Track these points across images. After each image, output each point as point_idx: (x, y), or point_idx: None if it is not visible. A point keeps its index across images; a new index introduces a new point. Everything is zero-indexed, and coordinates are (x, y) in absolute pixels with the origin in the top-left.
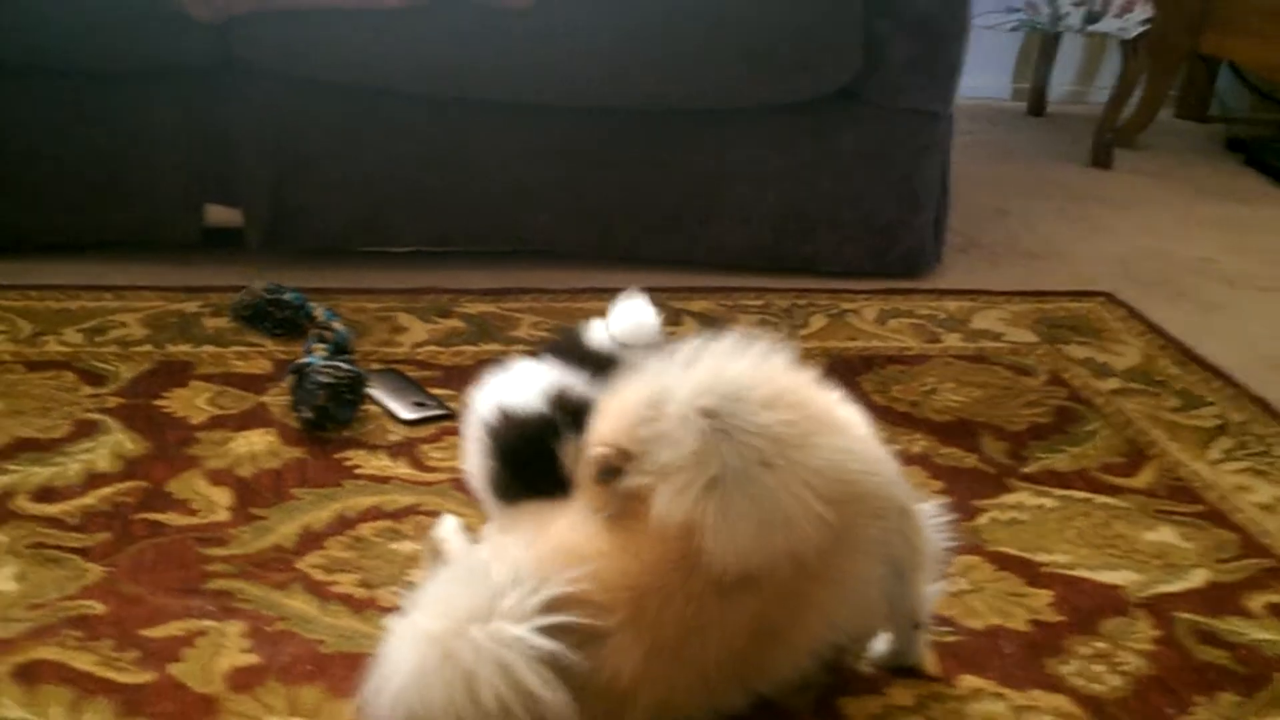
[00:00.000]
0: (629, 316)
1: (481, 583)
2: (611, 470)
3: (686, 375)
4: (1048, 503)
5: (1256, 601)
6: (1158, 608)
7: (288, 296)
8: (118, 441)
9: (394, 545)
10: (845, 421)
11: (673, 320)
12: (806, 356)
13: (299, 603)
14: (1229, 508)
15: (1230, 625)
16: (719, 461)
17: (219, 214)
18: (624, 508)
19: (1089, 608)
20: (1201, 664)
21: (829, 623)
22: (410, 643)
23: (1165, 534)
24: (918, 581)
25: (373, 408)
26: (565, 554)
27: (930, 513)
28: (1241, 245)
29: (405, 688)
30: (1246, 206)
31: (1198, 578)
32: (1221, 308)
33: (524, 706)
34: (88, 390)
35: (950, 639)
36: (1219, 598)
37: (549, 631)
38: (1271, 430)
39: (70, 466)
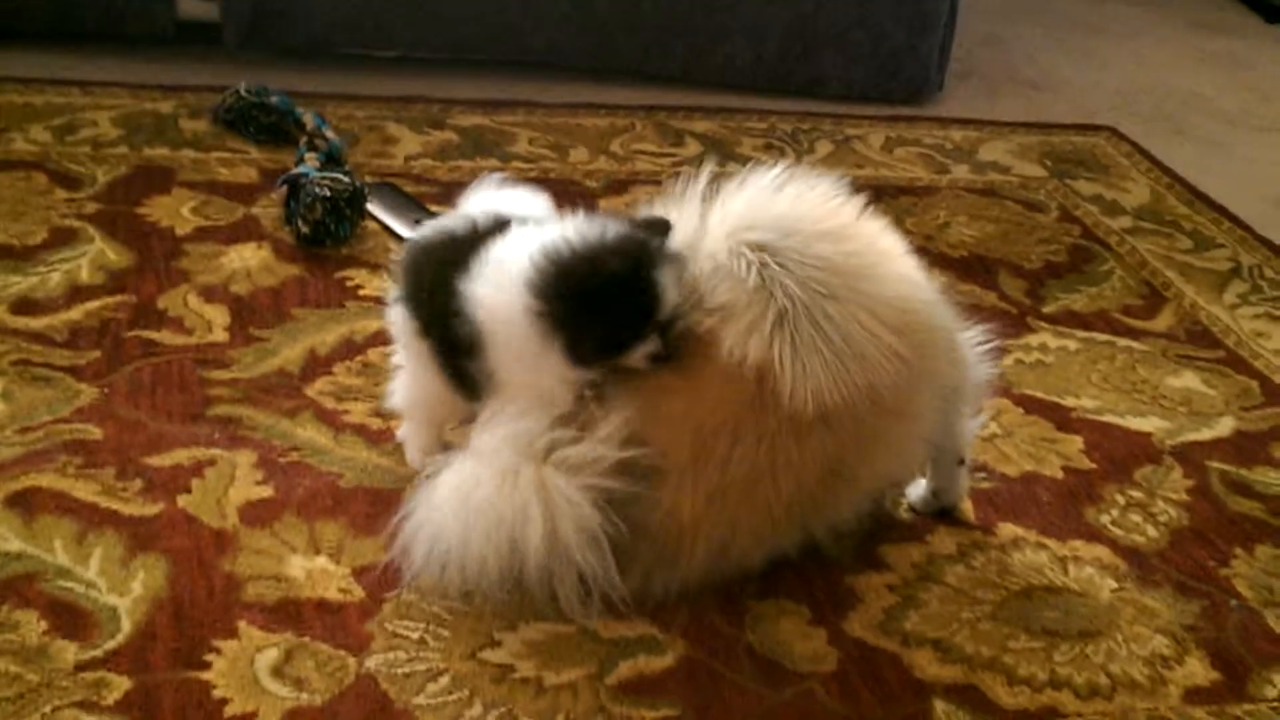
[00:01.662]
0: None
1: (534, 431)
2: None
3: (722, 211)
4: (1070, 344)
5: None
6: (1188, 456)
7: (274, 100)
8: (99, 251)
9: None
10: (892, 248)
11: (675, 141)
12: None
13: (310, 432)
14: (1248, 353)
15: (1261, 476)
16: (783, 297)
17: (193, 6)
18: (684, 347)
19: (1121, 455)
20: (1236, 515)
21: (899, 460)
22: (460, 478)
23: (1189, 379)
24: (964, 413)
25: (370, 224)
26: (627, 392)
27: (973, 340)
28: (1236, 82)
29: (461, 509)
30: (1239, 41)
31: (1225, 426)
32: (1221, 146)
33: (559, 551)
34: (62, 194)
35: (986, 485)
36: (1248, 447)
37: (608, 473)
38: None
39: (50, 277)
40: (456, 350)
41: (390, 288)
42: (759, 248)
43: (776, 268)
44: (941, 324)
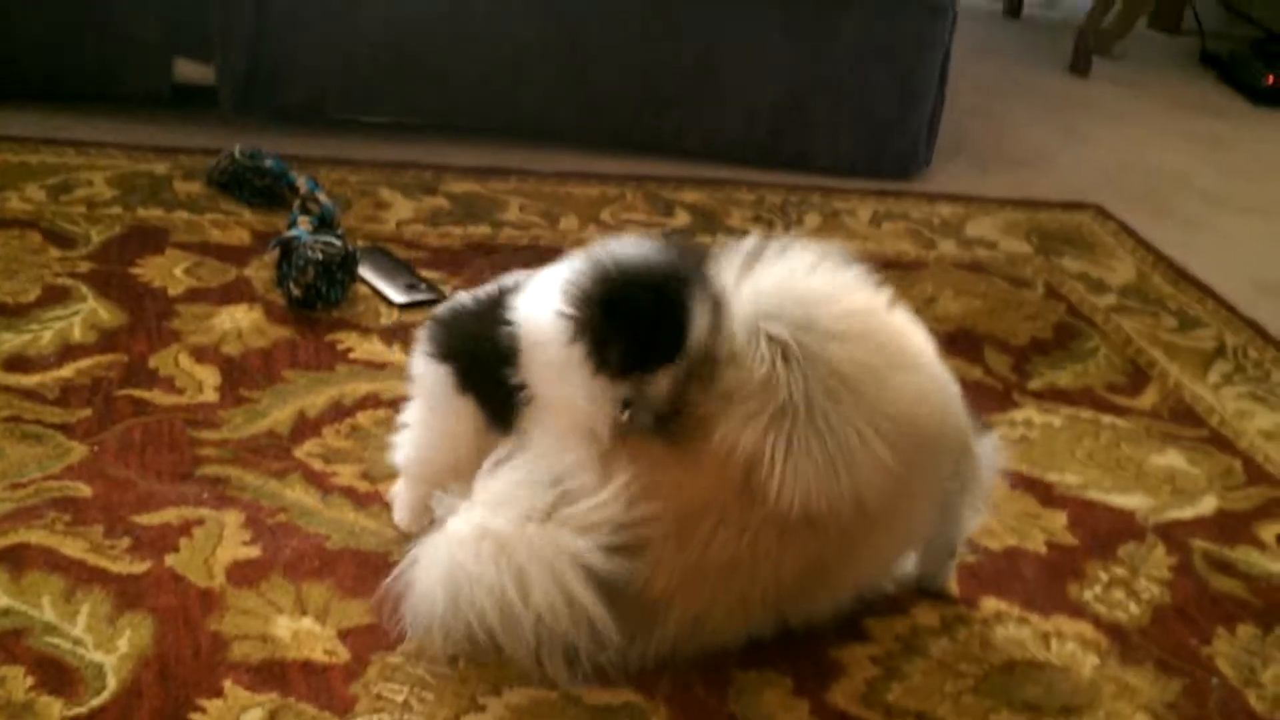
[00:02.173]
0: None
1: (542, 483)
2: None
3: (749, 288)
4: (1055, 421)
5: (1268, 532)
6: (1171, 534)
7: (268, 163)
8: (92, 310)
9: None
10: (914, 351)
11: (665, 211)
12: None
13: (299, 494)
14: (1231, 433)
15: (1243, 555)
16: (787, 396)
17: (189, 69)
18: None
19: (1104, 531)
20: (1218, 594)
21: (881, 564)
22: (460, 534)
23: (1172, 458)
24: (963, 513)
25: (362, 288)
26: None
27: (987, 446)
28: (1219, 162)
29: (449, 577)
30: (1222, 122)
31: (1208, 505)
32: (1204, 226)
33: (567, 610)
34: (56, 253)
35: (970, 559)
36: (1230, 526)
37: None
38: (1268, 355)
39: (43, 335)
40: (498, 377)
41: (419, 347)
42: (776, 340)
43: (785, 364)
44: (948, 435)
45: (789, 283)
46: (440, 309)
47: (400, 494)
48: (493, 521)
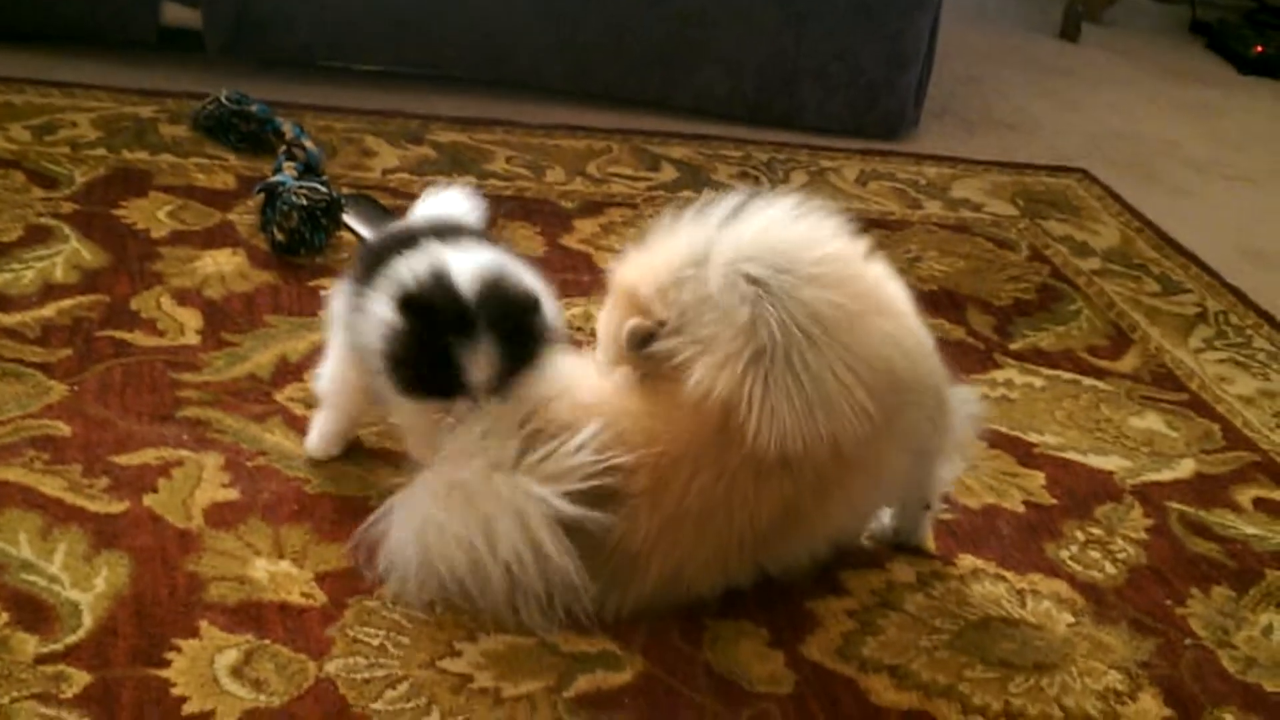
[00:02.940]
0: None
1: (509, 434)
2: (646, 339)
3: (731, 234)
4: (1036, 382)
5: (1244, 495)
6: (1149, 496)
7: (253, 109)
8: (74, 250)
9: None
10: (890, 299)
11: (651, 165)
12: None
13: (279, 437)
14: (1211, 397)
15: (1219, 518)
16: (765, 337)
17: (177, 13)
18: (656, 370)
19: (1082, 492)
20: (1194, 555)
21: (855, 511)
22: (431, 486)
23: (1151, 420)
24: (937, 465)
25: (345, 235)
26: (585, 411)
27: (963, 397)
28: (1207, 130)
29: (420, 529)
30: (1211, 90)
31: (1185, 468)
32: (1191, 193)
33: (535, 560)
34: (39, 193)
35: (947, 516)
36: (1207, 489)
37: (572, 492)
38: (1249, 321)
39: (24, 274)
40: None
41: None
42: (753, 280)
43: (764, 306)
44: (923, 383)
45: (770, 230)
46: (368, 239)
47: (316, 421)
48: (460, 473)
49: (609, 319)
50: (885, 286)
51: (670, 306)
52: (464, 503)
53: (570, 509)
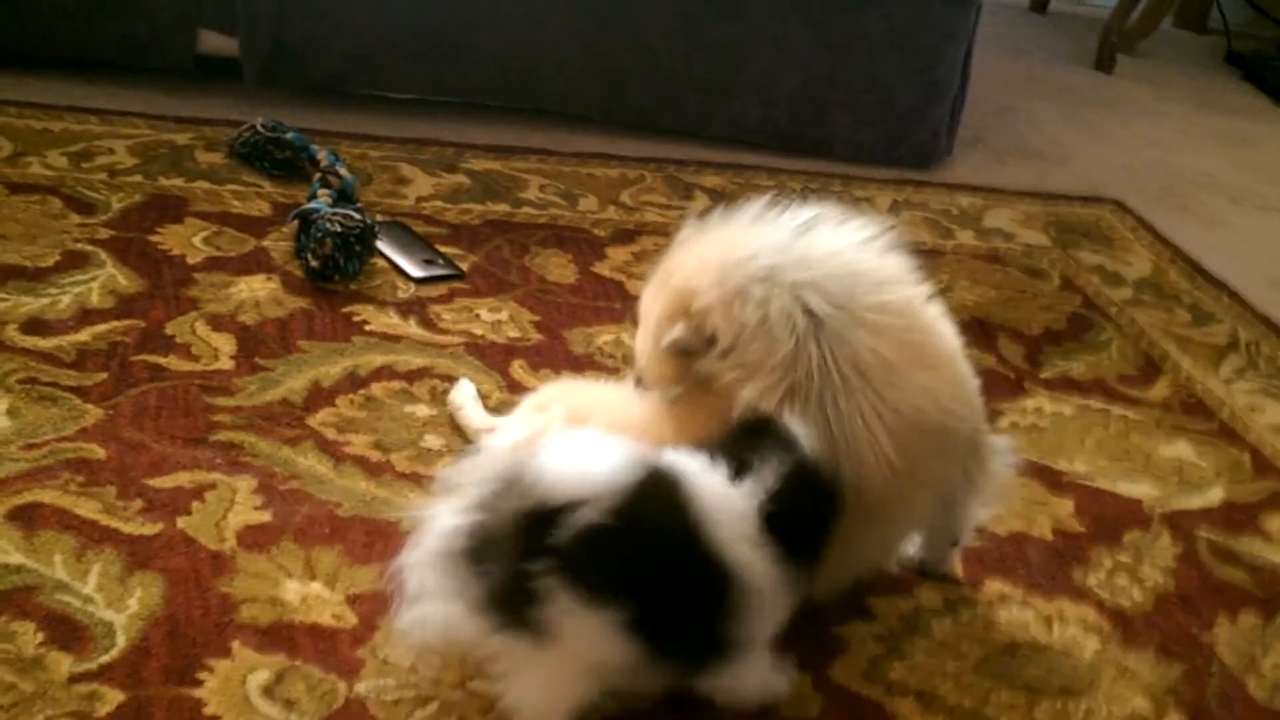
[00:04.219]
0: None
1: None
2: (689, 350)
3: (800, 251)
4: (1066, 410)
5: (1273, 523)
6: (1177, 523)
7: (289, 136)
8: (110, 276)
9: (408, 408)
10: (937, 350)
11: (684, 194)
12: None
13: (311, 461)
14: (1241, 427)
15: (1248, 546)
16: (802, 374)
17: (214, 41)
18: (691, 390)
19: (1111, 519)
20: (1221, 583)
21: (872, 557)
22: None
23: (1181, 449)
24: (969, 508)
25: (379, 262)
26: (625, 432)
27: (1000, 447)
28: (1241, 161)
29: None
30: (1246, 121)
31: (1215, 496)
32: (1224, 224)
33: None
34: (76, 219)
35: (976, 544)
36: (1236, 517)
37: None
38: None
39: (61, 300)
40: None
41: None
42: (808, 312)
43: (809, 343)
44: (956, 435)
45: (839, 257)
46: None
47: None
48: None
49: (655, 326)
50: (937, 335)
51: (731, 323)
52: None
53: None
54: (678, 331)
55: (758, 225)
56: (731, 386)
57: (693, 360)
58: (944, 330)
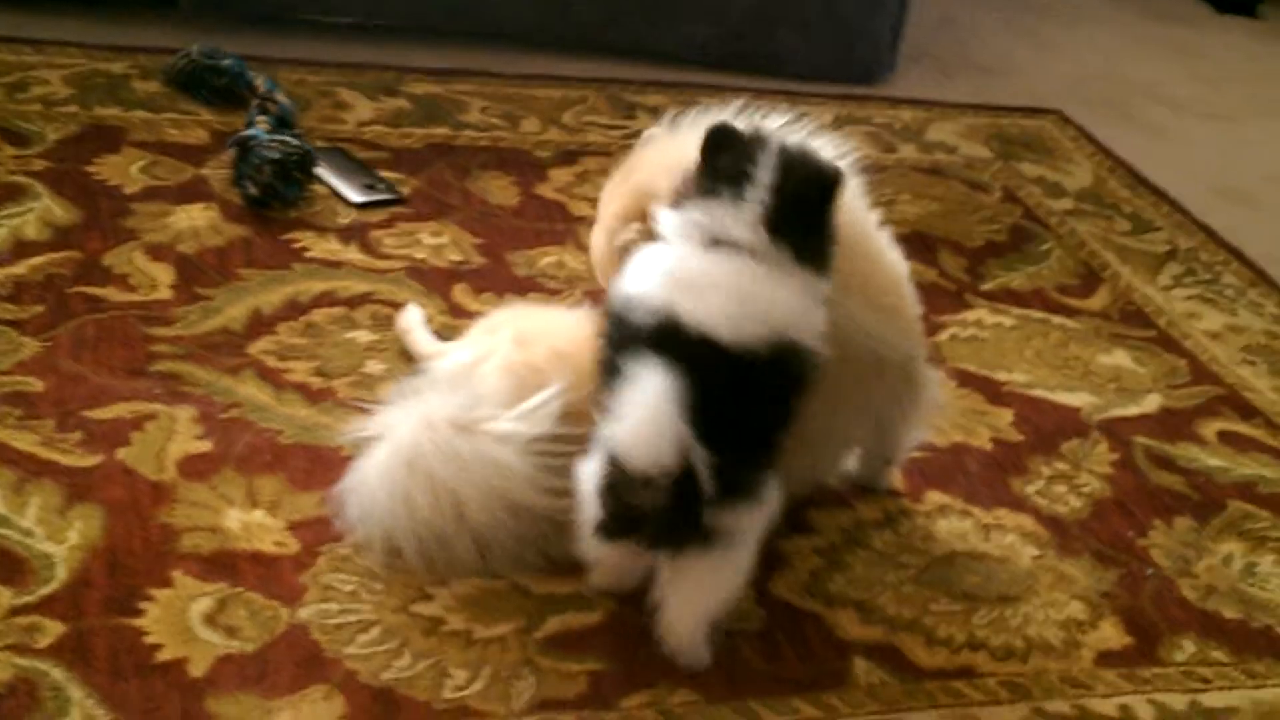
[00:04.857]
0: None
1: (464, 390)
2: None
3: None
4: (1006, 321)
5: (1208, 429)
6: (1115, 431)
7: (226, 63)
8: (46, 208)
9: (349, 334)
10: (878, 276)
11: (627, 114)
12: None
13: (252, 389)
14: (1179, 334)
15: (1184, 451)
16: None
17: None
18: None
19: (1049, 428)
20: (1158, 488)
21: (810, 472)
22: (398, 451)
23: (1119, 357)
24: (902, 433)
25: (319, 187)
26: (561, 359)
27: (936, 375)
28: (1187, 70)
29: (387, 502)
30: (1191, 30)
31: (1151, 403)
32: (1167, 133)
33: (507, 518)
34: (10, 151)
35: (915, 455)
36: (1173, 423)
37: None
38: (1219, 258)
39: None
40: None
41: None
42: None
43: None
44: (891, 358)
45: None
46: None
47: None
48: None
49: (609, 211)
50: (878, 264)
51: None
52: (427, 478)
53: (534, 469)
54: (632, 231)
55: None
56: None
57: None
58: (887, 258)
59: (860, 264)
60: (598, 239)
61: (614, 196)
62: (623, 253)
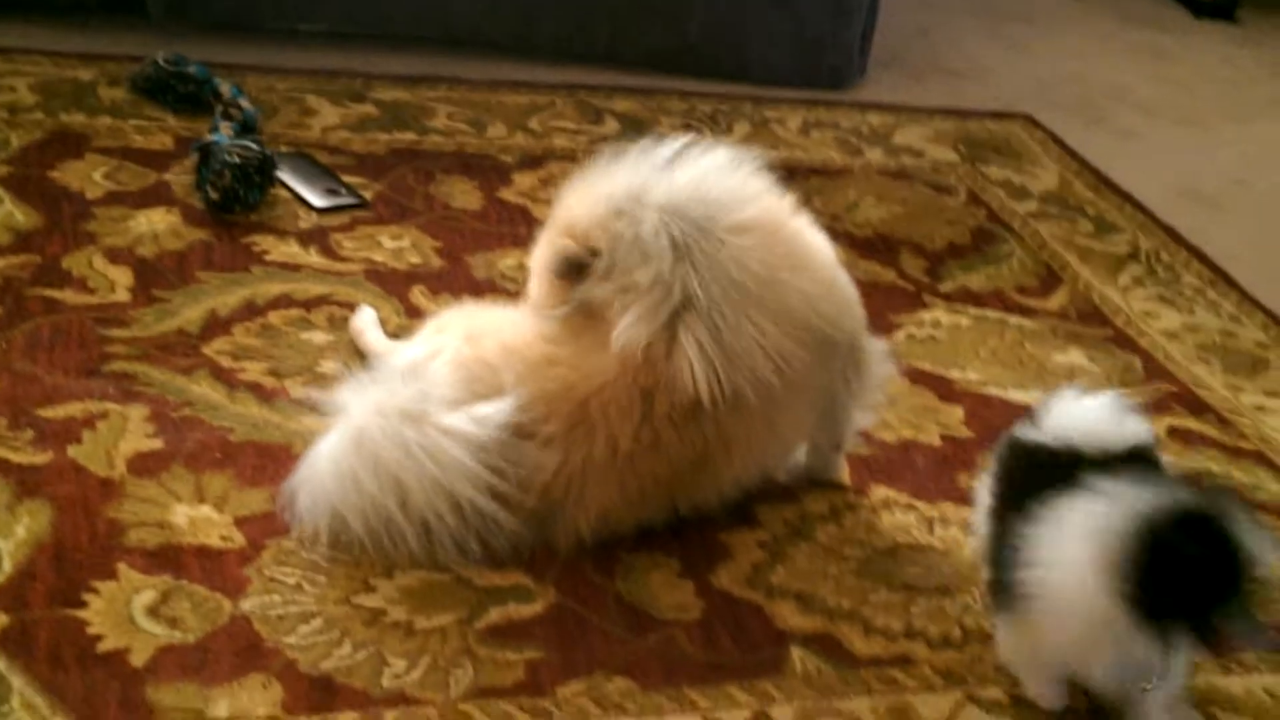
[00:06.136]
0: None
1: (416, 383)
2: (575, 267)
3: (666, 180)
4: (963, 321)
5: (1159, 425)
6: None
7: (191, 70)
8: (8, 213)
9: (305, 335)
10: (810, 257)
11: (594, 119)
12: None
13: (205, 389)
14: (1135, 332)
15: None
16: (688, 292)
17: None
18: (578, 311)
19: (999, 424)
20: None
21: (761, 461)
22: (347, 438)
23: (1074, 356)
24: (850, 412)
25: (282, 192)
26: (509, 354)
27: (879, 349)
28: (1159, 75)
29: (336, 488)
30: (1166, 35)
31: None
32: (1136, 136)
33: (449, 510)
34: None
35: (864, 451)
36: None
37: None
38: (1179, 258)
39: None
40: None
41: None
42: (684, 232)
43: (687, 263)
44: (835, 339)
45: (702, 183)
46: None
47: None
48: (371, 426)
49: (544, 250)
50: (808, 244)
51: (607, 238)
52: (373, 461)
53: (480, 460)
54: (561, 245)
55: (636, 160)
56: (615, 313)
57: (575, 283)
58: (814, 239)
59: (785, 246)
60: (539, 253)
61: (544, 239)
62: (554, 273)
